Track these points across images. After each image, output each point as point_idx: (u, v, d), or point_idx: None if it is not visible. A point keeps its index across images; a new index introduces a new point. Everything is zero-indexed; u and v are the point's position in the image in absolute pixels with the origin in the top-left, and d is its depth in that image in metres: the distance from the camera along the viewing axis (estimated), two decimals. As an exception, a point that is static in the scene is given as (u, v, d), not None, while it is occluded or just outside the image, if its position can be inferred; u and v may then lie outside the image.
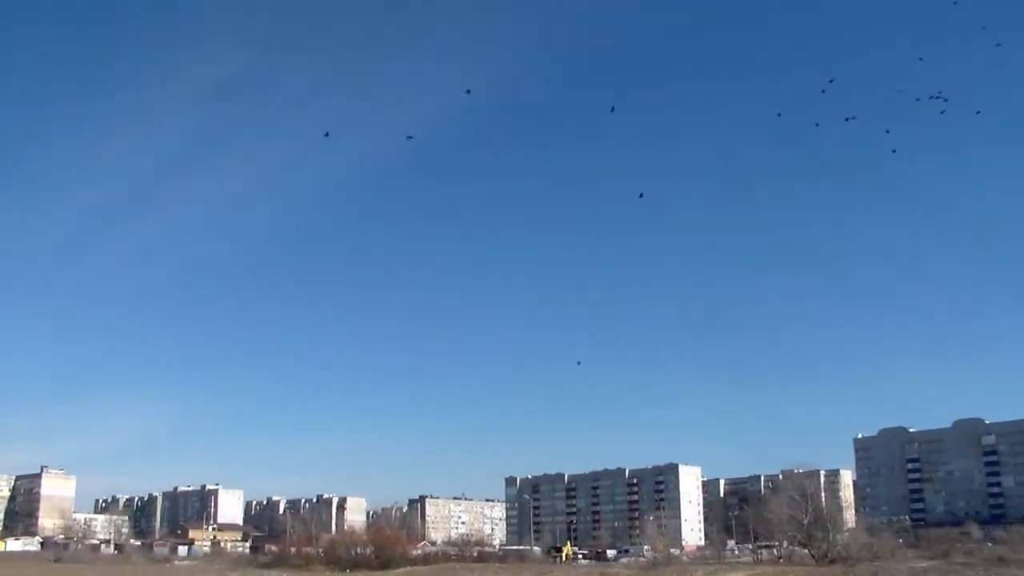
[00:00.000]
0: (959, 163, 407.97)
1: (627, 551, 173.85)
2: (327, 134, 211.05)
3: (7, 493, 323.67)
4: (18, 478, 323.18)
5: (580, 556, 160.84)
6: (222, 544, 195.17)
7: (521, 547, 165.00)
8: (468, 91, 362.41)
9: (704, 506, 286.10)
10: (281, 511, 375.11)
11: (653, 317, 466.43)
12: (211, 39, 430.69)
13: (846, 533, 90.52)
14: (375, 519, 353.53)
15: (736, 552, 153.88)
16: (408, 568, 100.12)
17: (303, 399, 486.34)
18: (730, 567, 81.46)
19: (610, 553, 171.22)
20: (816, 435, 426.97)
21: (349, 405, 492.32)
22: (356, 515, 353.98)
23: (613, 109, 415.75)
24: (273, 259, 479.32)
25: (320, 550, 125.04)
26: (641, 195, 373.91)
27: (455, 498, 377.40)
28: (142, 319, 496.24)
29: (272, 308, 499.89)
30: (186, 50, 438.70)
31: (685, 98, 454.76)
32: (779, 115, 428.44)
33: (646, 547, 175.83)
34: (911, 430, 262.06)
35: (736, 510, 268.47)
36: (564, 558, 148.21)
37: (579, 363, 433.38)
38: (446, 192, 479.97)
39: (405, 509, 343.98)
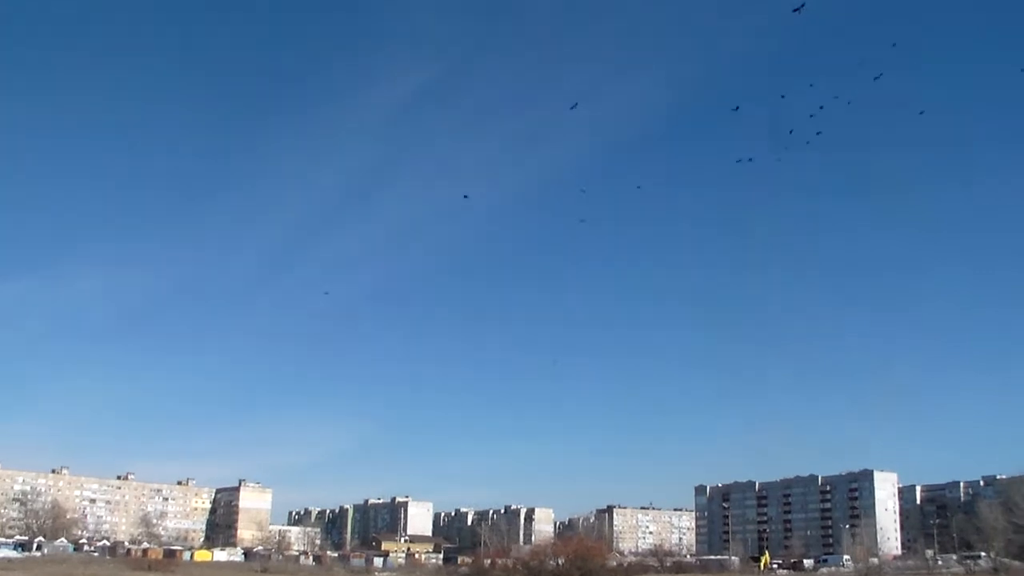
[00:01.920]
0: None
1: (825, 560, 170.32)
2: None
3: (208, 506, 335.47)
4: (218, 491, 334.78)
5: (776, 566, 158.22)
6: (416, 556, 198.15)
7: (720, 556, 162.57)
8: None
9: (900, 514, 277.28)
10: (469, 522, 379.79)
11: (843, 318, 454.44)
12: (400, 51, 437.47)
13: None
14: (563, 529, 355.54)
15: (940, 562, 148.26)
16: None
17: (490, 411, 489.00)
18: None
19: (807, 563, 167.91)
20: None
21: (535, 415, 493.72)
22: (544, 525, 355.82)
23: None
24: (462, 270, 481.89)
25: (519, 561, 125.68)
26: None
27: (643, 508, 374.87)
28: (335, 334, 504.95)
29: (461, 319, 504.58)
30: (376, 63, 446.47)
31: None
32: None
33: (845, 556, 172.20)
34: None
35: (935, 518, 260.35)
36: (763, 567, 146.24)
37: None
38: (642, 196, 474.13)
39: (592, 519, 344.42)
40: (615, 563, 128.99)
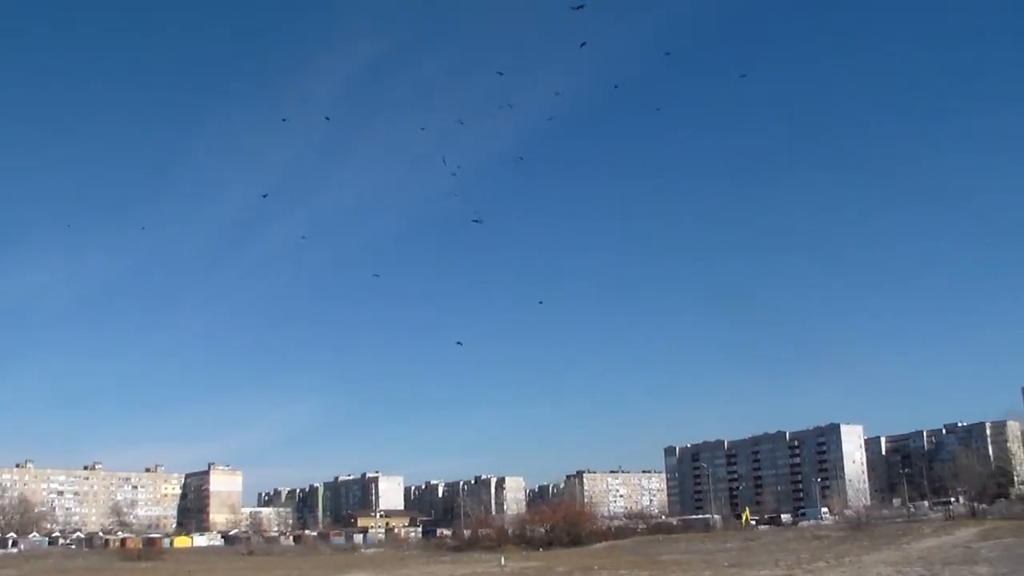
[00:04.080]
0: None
1: (804, 514, 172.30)
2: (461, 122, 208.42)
3: (178, 491, 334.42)
4: (188, 476, 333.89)
5: (754, 522, 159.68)
6: (396, 530, 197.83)
7: (703, 515, 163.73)
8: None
9: (867, 465, 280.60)
10: (440, 494, 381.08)
11: (802, 272, 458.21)
12: (345, 33, 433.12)
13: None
14: (533, 497, 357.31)
15: (913, 509, 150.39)
16: (607, 543, 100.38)
17: (454, 380, 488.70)
18: (955, 524, 79.53)
19: (784, 518, 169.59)
20: (983, 387, 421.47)
21: (499, 384, 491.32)
22: (515, 494, 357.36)
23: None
24: (427, 240, 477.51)
25: (503, 531, 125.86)
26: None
27: (612, 471, 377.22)
28: (292, 309, 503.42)
29: (422, 290, 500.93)
30: (329, 35, 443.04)
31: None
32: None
33: (823, 509, 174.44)
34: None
35: (902, 467, 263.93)
36: (744, 523, 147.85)
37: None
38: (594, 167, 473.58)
39: (563, 485, 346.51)
40: (603, 527, 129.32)
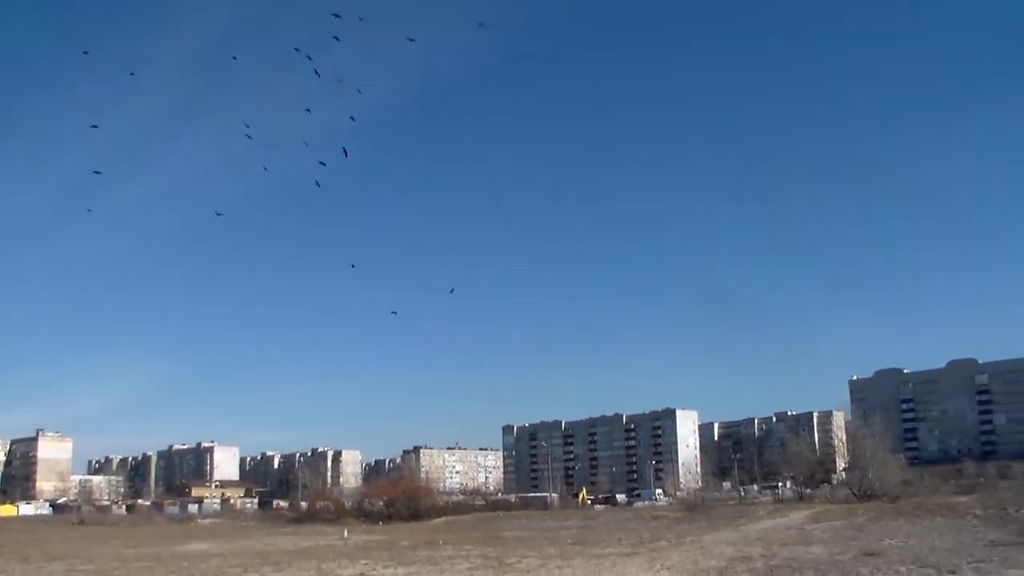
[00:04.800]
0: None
1: (639, 495, 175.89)
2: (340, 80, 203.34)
3: (3, 458, 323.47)
4: (13, 442, 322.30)
5: (590, 501, 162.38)
6: (231, 501, 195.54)
7: (541, 493, 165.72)
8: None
9: (700, 449, 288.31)
10: (276, 466, 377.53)
11: (645, 257, 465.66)
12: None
13: (878, 470, 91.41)
14: (370, 471, 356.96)
15: (744, 493, 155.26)
16: (447, 518, 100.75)
17: (292, 351, 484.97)
18: (786, 507, 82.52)
19: (619, 498, 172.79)
20: (813, 379, 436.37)
21: (338, 356, 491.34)
22: (352, 467, 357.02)
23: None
24: (271, 209, 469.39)
25: (340, 504, 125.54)
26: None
27: (449, 448, 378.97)
28: (131, 274, 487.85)
29: (261, 259, 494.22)
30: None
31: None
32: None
33: (658, 491, 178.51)
34: (906, 371, 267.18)
35: (733, 452, 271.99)
36: (581, 503, 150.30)
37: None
38: (456, 135, 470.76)
39: (399, 460, 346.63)
40: (441, 503, 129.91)
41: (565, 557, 41.09)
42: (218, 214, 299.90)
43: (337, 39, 52.05)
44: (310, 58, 49.38)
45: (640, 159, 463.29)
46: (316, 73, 48.92)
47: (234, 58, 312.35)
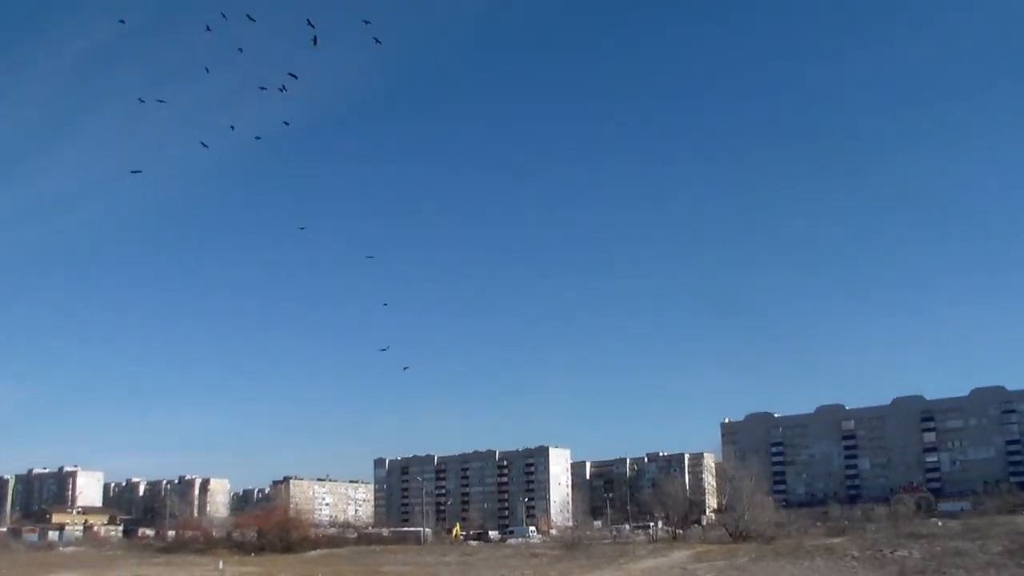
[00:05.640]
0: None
1: (511, 532, 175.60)
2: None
3: None
4: None
5: (463, 537, 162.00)
6: (95, 528, 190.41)
7: (415, 528, 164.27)
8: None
9: (572, 488, 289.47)
10: (142, 493, 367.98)
11: (518, 302, 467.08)
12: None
13: (754, 511, 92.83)
14: (238, 501, 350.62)
15: (616, 532, 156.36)
16: (323, 551, 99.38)
17: (161, 378, 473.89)
18: (666, 546, 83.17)
19: (492, 534, 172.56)
20: (686, 421, 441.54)
21: (209, 384, 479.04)
22: (220, 496, 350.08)
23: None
24: (134, 233, 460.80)
25: (208, 533, 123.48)
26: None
27: (319, 479, 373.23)
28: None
29: (128, 284, 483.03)
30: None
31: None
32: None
33: (531, 528, 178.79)
34: (776, 415, 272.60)
35: (604, 491, 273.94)
36: (454, 538, 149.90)
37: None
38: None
39: (268, 490, 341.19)
40: (314, 535, 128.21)
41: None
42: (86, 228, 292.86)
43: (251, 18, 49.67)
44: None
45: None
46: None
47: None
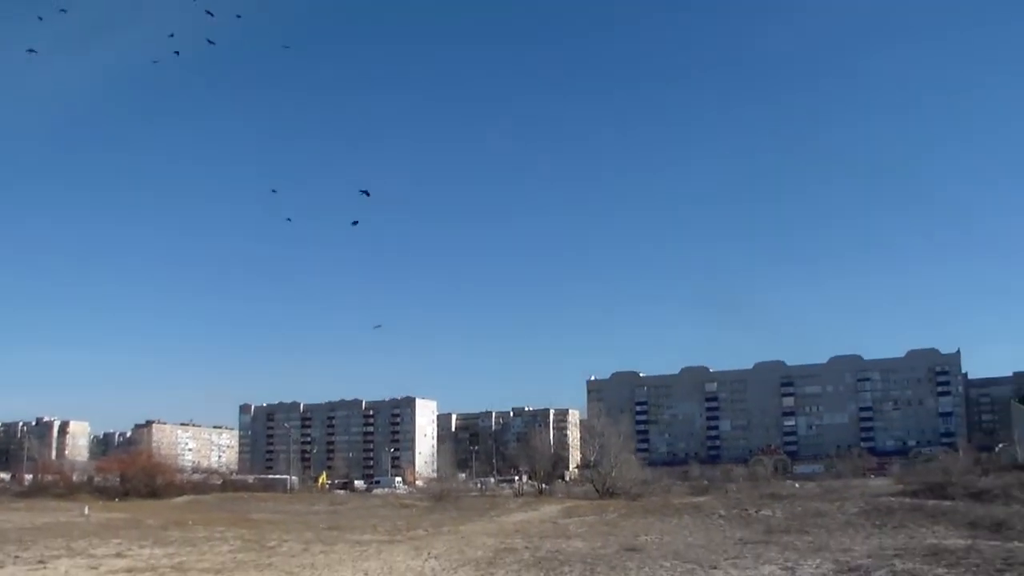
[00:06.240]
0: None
1: (378, 482, 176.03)
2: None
3: None
4: None
5: (329, 485, 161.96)
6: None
7: (282, 475, 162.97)
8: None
9: (437, 439, 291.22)
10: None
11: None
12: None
13: (621, 468, 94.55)
14: (98, 444, 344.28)
15: (481, 484, 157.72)
16: (188, 497, 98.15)
17: (15, 312, 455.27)
18: (536, 500, 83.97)
19: (358, 484, 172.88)
20: (554, 379, 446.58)
21: (70, 320, 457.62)
22: (79, 439, 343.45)
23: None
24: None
25: (66, 478, 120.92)
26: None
27: (183, 424, 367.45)
28: None
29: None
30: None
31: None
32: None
33: (397, 479, 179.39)
34: (642, 375, 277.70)
35: (469, 444, 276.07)
36: (321, 487, 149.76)
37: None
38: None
39: (130, 434, 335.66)
40: (180, 480, 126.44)
41: (327, 543, 40.87)
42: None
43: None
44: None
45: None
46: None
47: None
